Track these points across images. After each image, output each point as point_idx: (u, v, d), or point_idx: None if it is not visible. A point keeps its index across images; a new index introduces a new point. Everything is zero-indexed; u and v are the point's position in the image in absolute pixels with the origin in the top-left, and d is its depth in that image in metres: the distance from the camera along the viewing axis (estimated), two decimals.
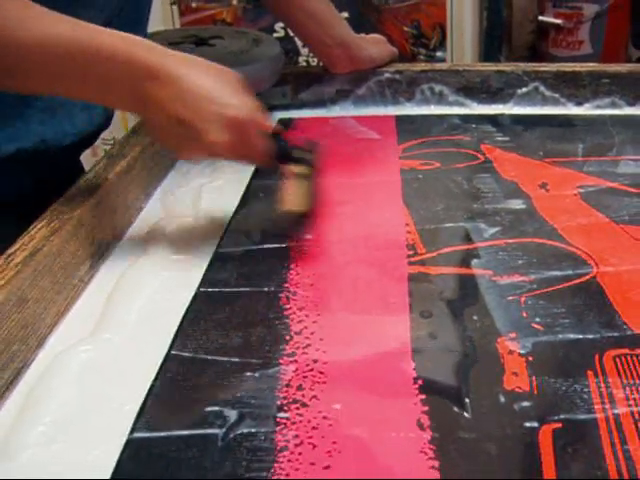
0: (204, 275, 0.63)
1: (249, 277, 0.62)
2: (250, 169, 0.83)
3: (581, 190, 0.77)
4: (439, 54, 1.58)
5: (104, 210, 0.67)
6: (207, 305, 0.59)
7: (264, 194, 0.79)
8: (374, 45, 1.02)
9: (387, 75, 1.03)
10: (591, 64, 1.04)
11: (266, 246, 0.68)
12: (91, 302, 0.60)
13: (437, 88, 1.03)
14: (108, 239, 0.67)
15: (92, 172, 0.70)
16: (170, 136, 0.61)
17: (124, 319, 0.58)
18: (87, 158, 0.91)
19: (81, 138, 0.81)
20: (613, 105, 1.01)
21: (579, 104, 1.02)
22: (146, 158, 0.78)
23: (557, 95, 1.01)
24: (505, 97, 1.02)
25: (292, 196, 0.65)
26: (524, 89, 1.02)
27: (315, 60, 1.43)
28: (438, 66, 1.06)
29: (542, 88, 1.01)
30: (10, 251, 0.56)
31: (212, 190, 0.80)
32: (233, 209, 0.75)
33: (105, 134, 0.90)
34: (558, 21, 1.68)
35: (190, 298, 0.60)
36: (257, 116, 0.62)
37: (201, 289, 0.61)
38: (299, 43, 1.56)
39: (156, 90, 0.59)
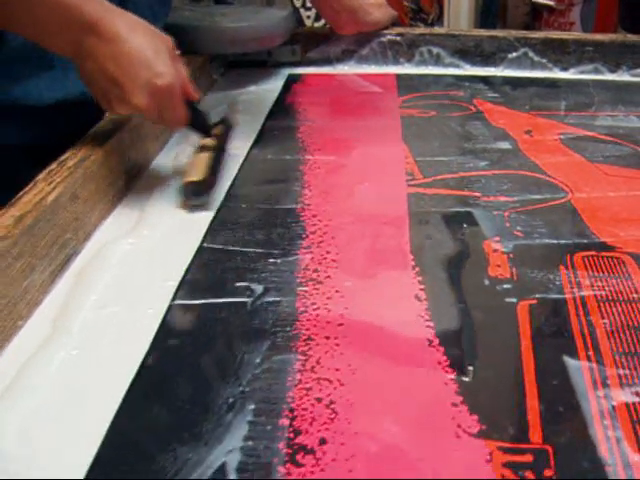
0: (227, 192, 0.72)
1: (268, 195, 0.71)
2: (265, 112, 0.92)
3: (562, 136, 0.86)
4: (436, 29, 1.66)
5: (138, 135, 0.75)
6: (232, 212, 0.68)
7: (278, 132, 0.88)
8: (377, 9, 1.11)
9: (389, 37, 1.12)
10: (576, 33, 1.13)
11: (282, 168, 0.76)
12: (129, 209, 0.69)
13: (435, 50, 1.12)
14: (140, 161, 0.76)
15: None
16: (99, 89, 0.65)
17: (159, 221, 0.66)
18: None
19: None
20: (596, 71, 1.10)
21: (564, 69, 1.10)
22: None
23: (544, 60, 1.10)
24: (497, 60, 1.11)
25: (193, 168, 0.69)
26: (514, 54, 1.11)
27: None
28: (436, 30, 1.15)
29: (531, 53, 1.10)
30: (62, 158, 0.65)
31: None
32: (250, 143, 0.83)
33: None
34: (551, 3, 1.77)
35: (216, 209, 0.68)
36: (182, 85, 0.66)
37: (226, 202, 0.70)
38: (303, 14, 1.65)
39: (95, 46, 0.62)
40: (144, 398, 0.45)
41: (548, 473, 0.39)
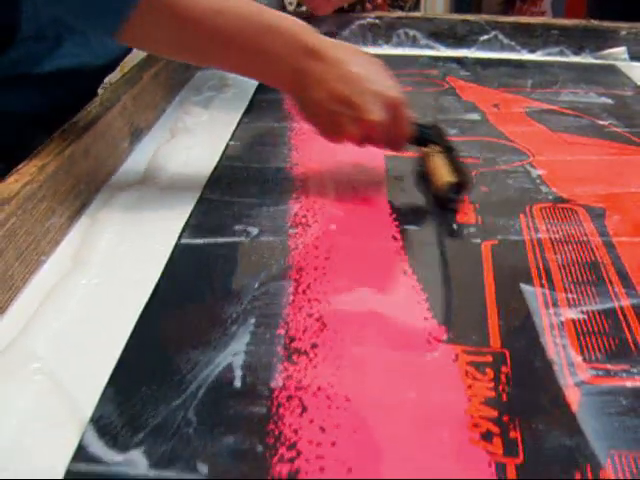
0: (222, 154, 0.79)
1: (259, 156, 0.78)
2: (253, 86, 0.99)
3: (527, 109, 0.95)
4: None
5: (140, 102, 0.82)
6: (228, 170, 0.75)
7: (266, 104, 0.95)
8: None
9: (368, 20, 1.20)
10: (543, 18, 1.21)
11: (271, 134, 0.84)
12: (135, 165, 0.76)
13: (411, 33, 1.20)
14: (142, 125, 0.83)
15: (130, 73, 0.85)
16: (327, 114, 0.63)
17: (161, 176, 0.73)
18: None
19: (111, 60, 0.94)
20: (561, 53, 1.19)
21: (532, 51, 1.19)
22: (169, 70, 0.93)
23: (513, 43, 1.19)
24: (469, 42, 1.19)
25: (442, 170, 0.69)
26: (485, 36, 1.19)
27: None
28: (413, 14, 1.22)
29: (501, 36, 1.19)
30: (73, 120, 0.71)
31: (222, 99, 0.96)
32: (241, 112, 0.91)
33: None
34: None
35: (212, 167, 0.76)
36: (405, 101, 0.65)
37: (221, 162, 0.77)
38: (286, 0, 1.71)
39: (319, 69, 0.62)
40: (159, 315, 0.53)
41: (505, 370, 0.47)
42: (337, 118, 0.63)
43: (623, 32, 1.16)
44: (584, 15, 1.77)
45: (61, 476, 0.39)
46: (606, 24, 1.17)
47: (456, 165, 0.70)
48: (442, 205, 0.67)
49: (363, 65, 0.64)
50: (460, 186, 0.68)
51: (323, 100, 0.62)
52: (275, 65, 0.63)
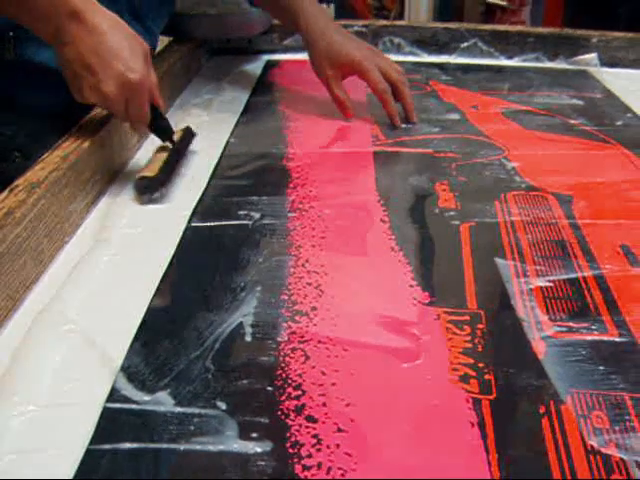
0: (223, 150, 0.86)
1: (259, 152, 0.86)
2: (248, 90, 1.07)
3: (503, 110, 1.02)
4: None
5: None
6: (230, 163, 0.82)
7: (262, 105, 1.02)
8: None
9: (356, 28, 1.27)
10: (520, 27, 1.29)
11: (268, 132, 0.91)
12: (144, 159, 0.82)
13: (396, 40, 1.27)
14: None
15: None
16: (73, 75, 0.68)
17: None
18: None
19: None
20: (537, 60, 1.27)
21: (509, 58, 1.27)
22: (170, 75, 1.00)
23: (492, 50, 1.26)
24: (450, 49, 1.27)
25: (149, 165, 0.74)
26: (466, 43, 1.27)
27: None
28: (398, 23, 1.30)
29: (480, 43, 1.26)
30: (89, 115, 0.78)
31: (220, 101, 1.03)
32: (239, 113, 0.98)
33: None
34: (503, 3, 1.94)
35: (215, 162, 0.83)
36: (150, 87, 0.70)
37: (222, 158, 0.84)
38: None
39: (78, 33, 0.66)
40: (176, 284, 0.60)
41: (480, 326, 0.54)
42: (79, 81, 0.68)
43: (594, 40, 1.24)
44: (562, 24, 1.86)
45: (98, 414, 0.46)
46: (579, 32, 1.24)
47: (168, 166, 0.75)
48: (136, 197, 0.73)
49: (119, 41, 0.67)
50: (154, 183, 0.72)
51: (72, 61, 0.67)
52: (41, 22, 0.67)
